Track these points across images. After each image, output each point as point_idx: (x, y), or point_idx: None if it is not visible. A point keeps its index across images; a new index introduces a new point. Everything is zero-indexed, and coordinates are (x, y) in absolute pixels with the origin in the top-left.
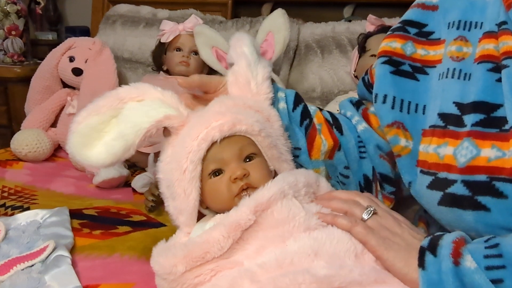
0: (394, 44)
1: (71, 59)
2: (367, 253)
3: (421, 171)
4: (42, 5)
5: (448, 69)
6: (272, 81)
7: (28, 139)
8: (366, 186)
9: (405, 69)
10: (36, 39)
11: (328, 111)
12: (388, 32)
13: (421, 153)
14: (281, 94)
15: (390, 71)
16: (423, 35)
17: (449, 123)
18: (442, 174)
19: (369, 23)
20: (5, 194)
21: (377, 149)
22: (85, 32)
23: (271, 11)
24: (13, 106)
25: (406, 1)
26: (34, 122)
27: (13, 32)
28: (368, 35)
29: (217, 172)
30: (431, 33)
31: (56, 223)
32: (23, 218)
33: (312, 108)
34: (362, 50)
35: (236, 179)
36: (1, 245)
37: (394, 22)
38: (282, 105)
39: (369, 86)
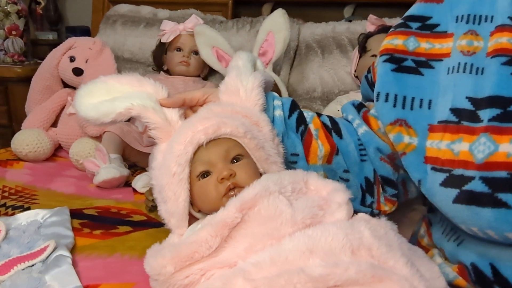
0: (395, 41)
1: (72, 59)
2: (364, 249)
3: (433, 168)
4: (43, 5)
5: (459, 63)
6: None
7: (28, 139)
8: (367, 188)
9: (408, 64)
10: (36, 39)
11: (328, 116)
12: (391, 30)
13: (430, 149)
14: (277, 102)
15: (391, 69)
16: (427, 28)
17: (463, 119)
18: (458, 171)
19: (369, 23)
20: (6, 194)
21: (378, 151)
22: (85, 32)
23: (272, 11)
24: (14, 106)
25: (407, 1)
26: (34, 122)
27: (14, 32)
28: (368, 35)
29: (205, 174)
30: (436, 25)
31: (57, 223)
32: (23, 218)
33: (309, 114)
34: (363, 50)
35: (223, 179)
36: (2, 245)
37: (395, 22)
38: (278, 112)
39: (371, 84)
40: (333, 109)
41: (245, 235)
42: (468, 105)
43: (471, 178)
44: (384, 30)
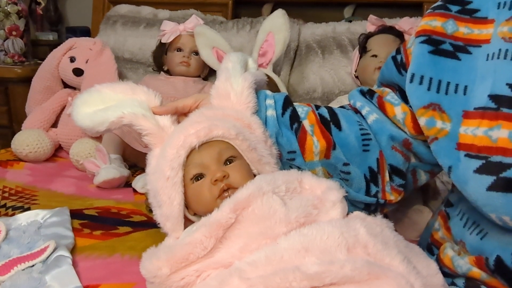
0: (434, 23)
1: (72, 60)
2: (360, 247)
3: (467, 155)
4: (43, 5)
5: (500, 50)
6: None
7: (28, 139)
8: (372, 178)
9: (446, 48)
10: (36, 40)
11: (327, 107)
12: (429, 10)
13: (465, 136)
14: (269, 102)
15: (428, 51)
16: (467, 12)
17: (503, 105)
18: (496, 158)
19: (370, 24)
20: (6, 195)
21: (390, 140)
22: (85, 32)
23: (272, 11)
24: (14, 106)
25: (407, 1)
26: (34, 123)
27: (14, 33)
28: (369, 36)
29: (199, 177)
30: (476, 10)
31: (57, 223)
32: (23, 218)
33: (305, 108)
34: (363, 50)
35: (216, 181)
36: (2, 245)
37: (395, 22)
38: (270, 112)
39: (400, 65)
40: None
41: (239, 235)
42: (508, 92)
43: (510, 165)
44: (384, 30)
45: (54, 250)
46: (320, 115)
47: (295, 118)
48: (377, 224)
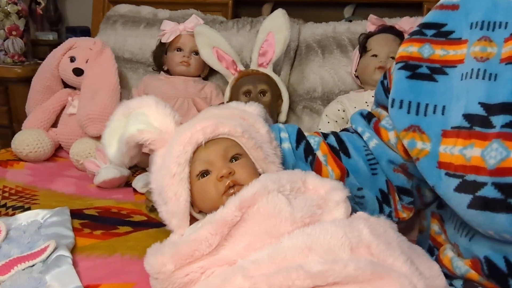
0: (410, 49)
1: (72, 59)
2: (363, 247)
3: (447, 174)
4: (43, 5)
5: (472, 69)
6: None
7: (29, 139)
8: (383, 199)
9: (422, 71)
10: (36, 39)
11: (334, 134)
12: (406, 37)
13: (444, 154)
14: (284, 135)
15: (406, 76)
16: (442, 35)
17: (475, 124)
18: (470, 177)
19: (370, 23)
20: (6, 194)
21: (390, 163)
22: (85, 32)
23: (272, 11)
24: (14, 106)
25: (407, 1)
26: (35, 122)
27: (14, 33)
28: (369, 35)
29: (204, 173)
30: (451, 32)
31: (57, 223)
32: (24, 218)
33: (316, 139)
34: (363, 50)
35: (222, 177)
36: (2, 245)
37: (395, 22)
38: (286, 145)
39: (387, 90)
40: (334, 109)
41: (244, 233)
42: (480, 111)
43: (483, 184)
44: (384, 30)
45: (54, 249)
46: (328, 144)
47: (309, 150)
48: (380, 225)
